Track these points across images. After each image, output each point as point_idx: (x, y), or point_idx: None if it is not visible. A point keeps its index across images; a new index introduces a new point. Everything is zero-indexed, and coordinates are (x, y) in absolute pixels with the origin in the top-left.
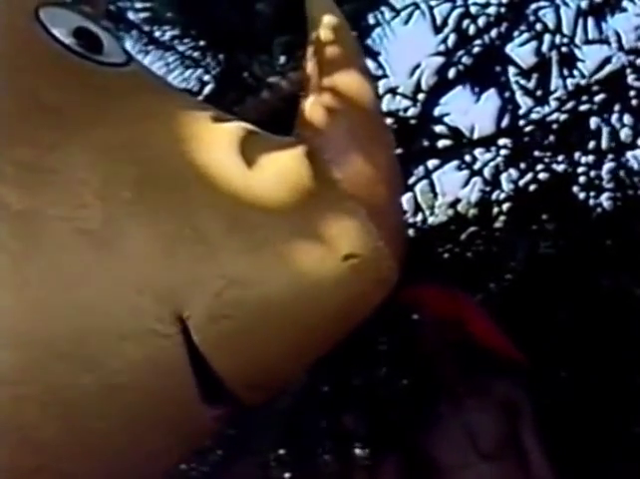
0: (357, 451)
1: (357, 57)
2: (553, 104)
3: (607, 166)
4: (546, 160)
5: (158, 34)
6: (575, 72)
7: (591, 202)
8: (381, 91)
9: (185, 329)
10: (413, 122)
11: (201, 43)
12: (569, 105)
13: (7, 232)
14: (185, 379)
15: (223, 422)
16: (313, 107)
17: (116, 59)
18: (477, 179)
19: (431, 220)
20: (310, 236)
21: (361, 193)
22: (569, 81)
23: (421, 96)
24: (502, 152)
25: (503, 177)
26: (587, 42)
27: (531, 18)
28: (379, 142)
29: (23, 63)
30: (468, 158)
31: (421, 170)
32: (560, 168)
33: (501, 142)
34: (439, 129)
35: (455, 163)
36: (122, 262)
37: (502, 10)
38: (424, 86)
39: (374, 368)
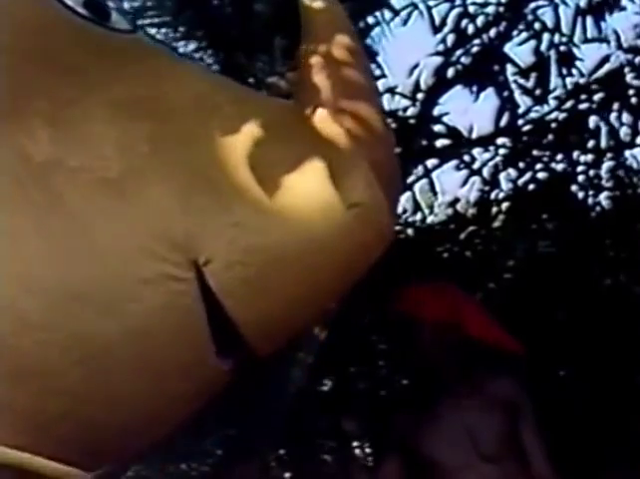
0: (358, 452)
1: (349, 48)
2: (552, 103)
3: (606, 165)
4: (545, 159)
5: (156, 34)
6: (574, 71)
7: (590, 201)
8: (380, 90)
9: (201, 275)
10: (412, 121)
11: (200, 43)
12: (568, 104)
13: (31, 182)
14: (200, 325)
15: (236, 373)
16: (310, 71)
17: (123, 26)
18: (475, 178)
19: (430, 219)
20: (315, 184)
21: (363, 145)
22: (568, 80)
23: (420, 95)
24: (501, 151)
25: (502, 176)
26: (586, 41)
27: (530, 17)
28: (374, 102)
29: (40, 26)
30: (466, 157)
31: (420, 169)
32: (559, 167)
33: (500, 141)
34: (437, 128)
35: (454, 162)
36: (139, 210)
37: (501, 9)
38: (423, 85)
39: (374, 370)
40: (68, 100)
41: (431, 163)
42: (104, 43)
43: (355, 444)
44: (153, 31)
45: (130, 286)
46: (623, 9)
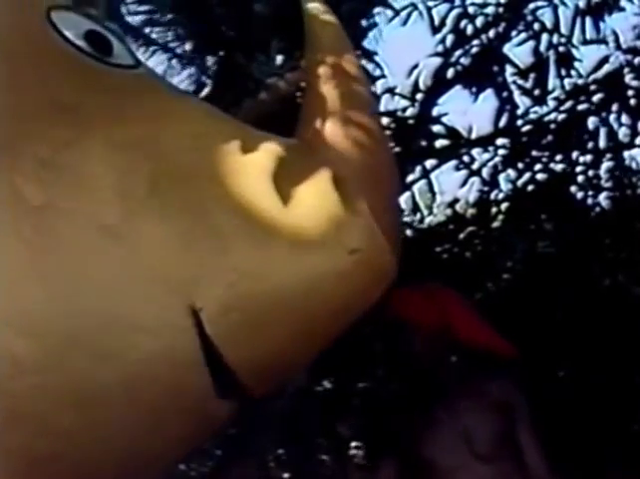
0: (354, 453)
1: (354, 63)
2: (551, 104)
3: (605, 165)
4: (544, 159)
5: (155, 35)
6: (573, 72)
7: (589, 201)
8: (379, 91)
9: (199, 322)
10: (411, 122)
11: (199, 44)
12: (567, 105)
13: (28, 226)
14: (199, 371)
15: (234, 416)
16: (314, 109)
17: (125, 61)
18: (475, 178)
19: (429, 219)
20: (316, 230)
21: (363, 190)
22: (567, 81)
23: (419, 96)
24: (500, 152)
25: (502, 176)
26: (585, 42)
27: (529, 18)
28: (379, 143)
29: (39, 62)
30: (466, 158)
31: (419, 170)
32: (558, 167)
33: (499, 142)
34: (437, 129)
35: (453, 162)
36: (137, 256)
37: (500, 10)
38: (422, 86)
39: (369, 371)
40: (66, 142)
41: (430, 163)
42: (103, 80)
43: (351, 445)
44: (152, 34)
45: (126, 333)
46: (622, 10)
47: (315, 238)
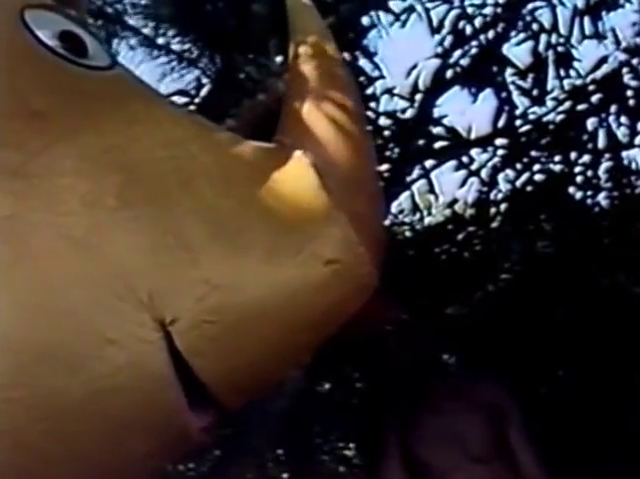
0: (352, 454)
1: (339, 66)
2: (550, 104)
3: (604, 165)
4: (543, 160)
5: (155, 35)
6: (572, 72)
7: (588, 201)
8: (378, 92)
9: (168, 335)
10: (410, 123)
11: (198, 44)
12: (566, 105)
13: None
14: (169, 385)
15: (209, 432)
16: (294, 114)
17: (100, 62)
18: (474, 179)
19: (428, 220)
20: (291, 241)
21: (342, 200)
22: (566, 81)
23: (418, 97)
24: (499, 152)
25: (501, 177)
26: (584, 37)
27: (528, 18)
28: (360, 150)
29: (9, 65)
30: (465, 158)
31: (418, 170)
32: (557, 168)
33: (498, 142)
34: (436, 129)
35: (452, 163)
36: (106, 269)
37: (499, 11)
38: (421, 87)
39: (361, 374)
40: (35, 150)
41: (429, 163)
42: (75, 84)
43: (347, 446)
44: (152, 34)
45: (94, 346)
46: (621, 7)
47: (290, 248)
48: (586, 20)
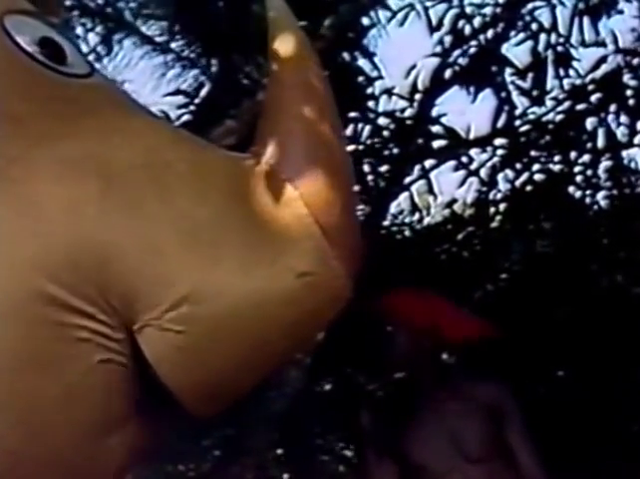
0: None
1: (318, 79)
2: (549, 104)
3: (603, 165)
4: (543, 159)
5: (154, 35)
6: (571, 72)
7: (587, 201)
8: (377, 92)
9: (134, 341)
10: (409, 122)
11: (198, 44)
12: (565, 105)
13: None
14: (132, 388)
15: (173, 431)
16: (271, 125)
17: (79, 70)
18: (473, 179)
19: (427, 220)
20: (264, 253)
21: (316, 212)
22: (565, 81)
23: (417, 96)
24: (499, 152)
25: (500, 177)
26: (583, 44)
27: (527, 18)
28: (336, 162)
29: None
30: (464, 158)
31: (417, 170)
32: (557, 167)
33: (498, 142)
34: (435, 129)
35: (451, 163)
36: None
37: (498, 10)
38: (420, 86)
39: (355, 374)
40: (13, 157)
41: (428, 163)
42: (55, 91)
43: (347, 446)
44: (151, 34)
45: (67, 346)
46: (620, 12)
47: (263, 260)
48: (585, 20)
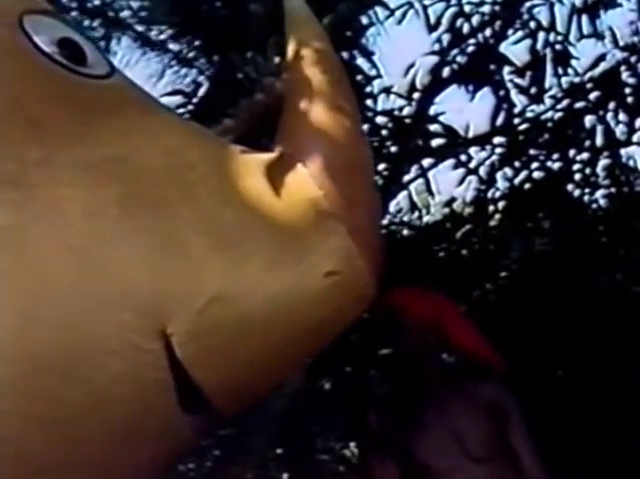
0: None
1: (338, 73)
2: (548, 102)
3: (602, 163)
4: (541, 158)
5: (152, 34)
6: (570, 70)
7: (586, 199)
8: (376, 90)
9: (169, 345)
10: (408, 121)
11: (196, 43)
12: (564, 103)
13: None
14: (168, 393)
15: (203, 433)
16: (294, 124)
17: (99, 71)
18: (472, 177)
19: (426, 218)
20: (291, 252)
21: (342, 211)
22: (564, 79)
23: (416, 95)
24: (497, 150)
25: (499, 175)
26: (582, 37)
27: (525, 16)
28: (359, 162)
29: (7, 72)
30: (463, 156)
31: (416, 168)
32: (555, 166)
33: (496, 140)
34: (434, 128)
35: (450, 161)
36: (106, 279)
37: (496, 8)
38: (418, 85)
39: (358, 372)
40: (34, 160)
41: (427, 162)
42: (74, 93)
43: (347, 446)
44: (149, 34)
45: (95, 357)
46: (619, 5)
47: (290, 260)
48: (584, 18)
